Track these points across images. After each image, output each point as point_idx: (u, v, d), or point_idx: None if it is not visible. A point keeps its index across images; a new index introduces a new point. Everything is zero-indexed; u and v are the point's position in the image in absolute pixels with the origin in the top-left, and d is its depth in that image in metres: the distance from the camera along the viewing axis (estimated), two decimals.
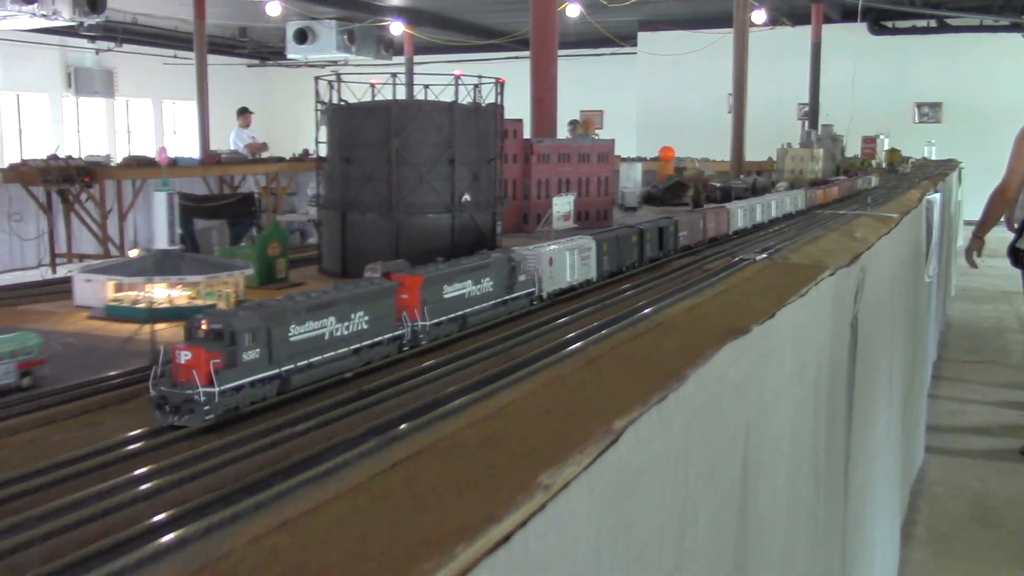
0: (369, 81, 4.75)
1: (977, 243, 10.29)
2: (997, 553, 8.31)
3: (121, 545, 1.53)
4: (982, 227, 10.21)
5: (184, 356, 2.24)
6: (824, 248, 5.74)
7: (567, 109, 14.47)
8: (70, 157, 21.21)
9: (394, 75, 4.41)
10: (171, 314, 3.48)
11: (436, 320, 3.12)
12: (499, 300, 3.50)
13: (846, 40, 29.80)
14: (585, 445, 1.99)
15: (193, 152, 31.41)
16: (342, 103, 4.47)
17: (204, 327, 2.34)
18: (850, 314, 5.49)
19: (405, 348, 3.01)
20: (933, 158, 24.85)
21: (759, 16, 27.19)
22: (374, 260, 3.76)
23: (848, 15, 29.08)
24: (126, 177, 21.05)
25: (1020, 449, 10.23)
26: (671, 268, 4.78)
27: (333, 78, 4.49)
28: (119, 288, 3.56)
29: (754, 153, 22.36)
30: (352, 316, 2.77)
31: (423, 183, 4.31)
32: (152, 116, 33.80)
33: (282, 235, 4.23)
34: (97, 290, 3.53)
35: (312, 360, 2.58)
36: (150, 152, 28.31)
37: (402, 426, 2.14)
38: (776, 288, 4.12)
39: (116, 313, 3.50)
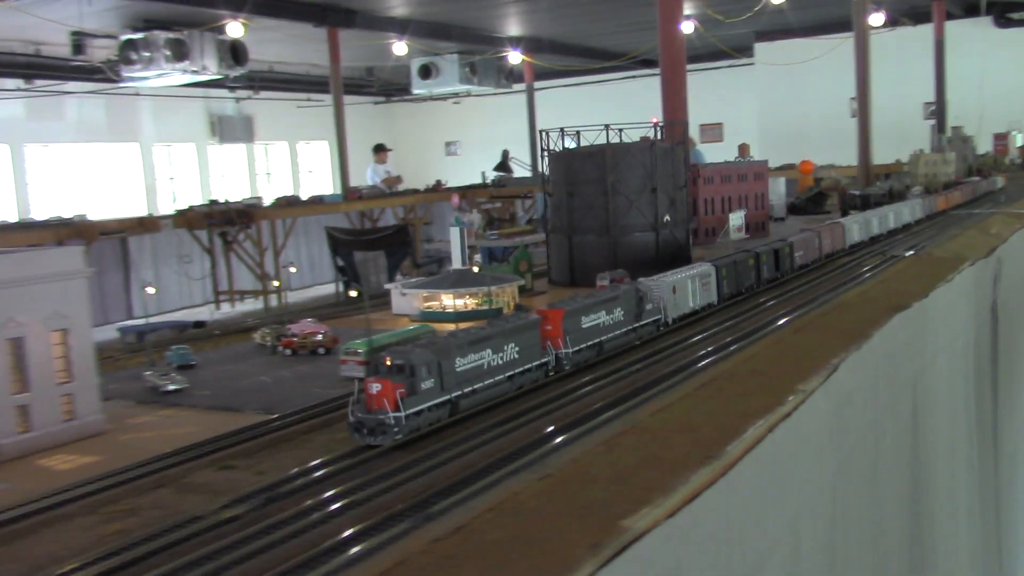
0: (576, 129, 6.10)
1: None
2: None
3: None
4: None
5: (375, 387, 2.82)
6: (963, 243, 6.80)
7: (692, 122, 15.61)
8: (228, 201, 23.41)
9: (607, 126, 5.73)
10: (467, 315, 4.86)
11: (576, 347, 3.64)
12: (630, 327, 4.01)
13: (971, 35, 30.02)
14: (817, 371, 3.22)
15: (327, 189, 33.65)
16: (566, 149, 5.82)
17: (388, 362, 2.85)
18: (990, 299, 6.54)
19: (551, 373, 3.55)
20: None
21: (878, 18, 27.63)
22: (595, 273, 5.11)
23: (971, 10, 29.31)
24: (279, 217, 23.11)
25: None
26: (836, 265, 5.95)
27: (557, 131, 5.85)
28: (427, 298, 4.96)
29: (880, 155, 22.91)
30: (505, 348, 3.24)
31: (632, 208, 5.62)
32: (288, 157, 36.29)
33: (528, 255, 5.60)
34: (411, 301, 4.92)
35: (475, 387, 3.08)
36: (288, 192, 30.51)
37: (699, 364, 3.45)
38: (926, 276, 5.25)
39: (429, 316, 4.89)
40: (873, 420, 3.73)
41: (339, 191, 26.75)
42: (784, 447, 2.79)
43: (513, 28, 30.15)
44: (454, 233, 4.94)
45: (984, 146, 21.74)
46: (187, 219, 21.69)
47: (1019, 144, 20.93)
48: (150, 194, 30.68)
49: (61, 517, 2.32)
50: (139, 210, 28.96)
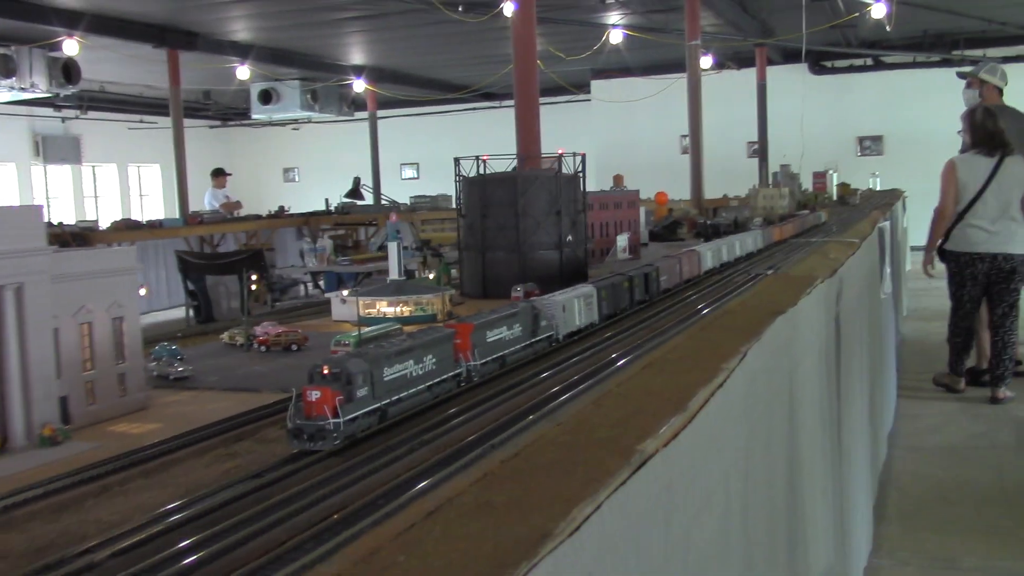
0: (481, 156, 6.87)
1: (929, 257, 13.90)
2: (959, 525, 10.32)
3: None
4: (930, 244, 13.48)
5: (314, 395, 2.90)
6: (811, 265, 7.95)
7: None
8: (62, 223, 22.91)
9: (518, 155, 6.52)
10: (404, 320, 5.51)
11: (483, 360, 3.80)
12: (527, 343, 4.24)
13: (790, 80, 32.74)
14: (733, 357, 4.06)
15: (159, 213, 33.15)
16: (480, 176, 6.58)
17: (326, 371, 2.96)
18: (834, 312, 7.69)
19: (462, 384, 3.68)
20: (878, 189, 27.48)
21: (706, 61, 29.72)
22: (506, 286, 5.88)
23: (790, 57, 31.94)
24: (117, 240, 22.77)
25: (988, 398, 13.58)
26: (707, 284, 6.93)
27: (474, 159, 6.60)
28: (367, 305, 5.58)
29: (708, 190, 24.76)
30: (425, 359, 3.41)
31: (540, 229, 6.43)
32: (117, 180, 35.47)
33: (448, 270, 6.31)
34: (351, 307, 5.54)
35: (401, 395, 3.22)
36: (118, 215, 29.89)
37: (645, 346, 4.26)
38: (790, 289, 6.27)
39: (368, 321, 5.50)
40: (767, 401, 4.64)
41: (175, 215, 26.50)
42: (721, 409, 3.61)
43: (356, 57, 30.79)
44: (392, 247, 5.59)
45: (805, 183, 23.86)
46: None
47: (836, 182, 23.11)
48: None
49: (175, 461, 2.85)
50: None
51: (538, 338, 4.34)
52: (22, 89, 24.73)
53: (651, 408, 3.25)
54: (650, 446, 2.84)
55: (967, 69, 15.07)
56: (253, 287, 15.44)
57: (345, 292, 5.91)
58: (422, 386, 3.39)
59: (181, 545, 2.14)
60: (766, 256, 9.29)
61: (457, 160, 6.65)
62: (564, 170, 6.84)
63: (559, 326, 4.52)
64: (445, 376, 3.56)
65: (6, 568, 2.13)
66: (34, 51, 24.42)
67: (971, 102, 14.10)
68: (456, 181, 6.67)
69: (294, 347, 4.71)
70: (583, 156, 6.84)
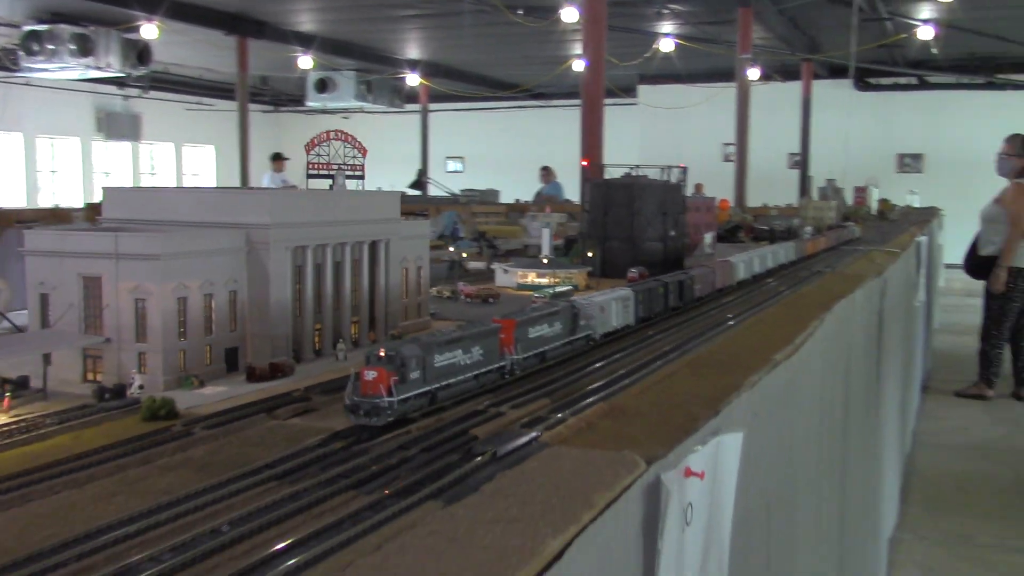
0: (581, 161, 8.85)
1: (1002, 272, 15.50)
2: (976, 510, 12.08)
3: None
4: (1007, 261, 15.43)
5: (370, 374, 3.20)
6: (860, 268, 9.91)
7: (572, 156, 18.56)
8: None
9: (630, 168, 8.52)
10: (550, 288, 7.51)
11: (525, 355, 4.07)
12: (566, 340, 4.52)
13: (834, 95, 34.57)
14: (808, 329, 6.04)
15: None
16: (604, 180, 8.58)
17: (382, 354, 3.25)
18: (878, 308, 9.65)
19: (506, 376, 3.98)
20: (916, 206, 29.21)
21: (753, 73, 31.49)
22: (621, 269, 7.88)
23: (836, 72, 33.74)
24: None
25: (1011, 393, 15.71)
26: (730, 298, 8.91)
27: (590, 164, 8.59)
28: (523, 276, 7.58)
29: (748, 199, 26.49)
30: (472, 350, 3.70)
31: (649, 225, 8.42)
32: (174, 159, 37.70)
33: (580, 251, 8.33)
34: (511, 277, 7.55)
35: (450, 381, 3.50)
36: None
37: (729, 322, 6.25)
38: (846, 283, 8.24)
39: (524, 287, 7.50)
40: (836, 359, 6.66)
41: None
42: (812, 348, 5.59)
43: (412, 51, 32.85)
44: (545, 232, 7.62)
45: (847, 197, 25.58)
46: (98, 211, 23.18)
47: (876, 198, 24.94)
48: (30, 187, 31.59)
49: None
50: (17, 202, 29.94)
51: (577, 336, 4.66)
52: (97, 68, 26.76)
53: (772, 340, 5.24)
54: (779, 357, 4.84)
55: None
56: None
57: (539, 261, 7.89)
58: (469, 375, 3.74)
59: (518, 390, 4.15)
60: (825, 257, 11.24)
61: (584, 168, 8.64)
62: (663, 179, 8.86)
63: (597, 326, 4.90)
64: (491, 367, 3.92)
65: None
66: (111, 32, 26.46)
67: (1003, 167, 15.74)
68: (583, 183, 8.65)
69: (491, 300, 6.67)
70: (685, 168, 8.82)
